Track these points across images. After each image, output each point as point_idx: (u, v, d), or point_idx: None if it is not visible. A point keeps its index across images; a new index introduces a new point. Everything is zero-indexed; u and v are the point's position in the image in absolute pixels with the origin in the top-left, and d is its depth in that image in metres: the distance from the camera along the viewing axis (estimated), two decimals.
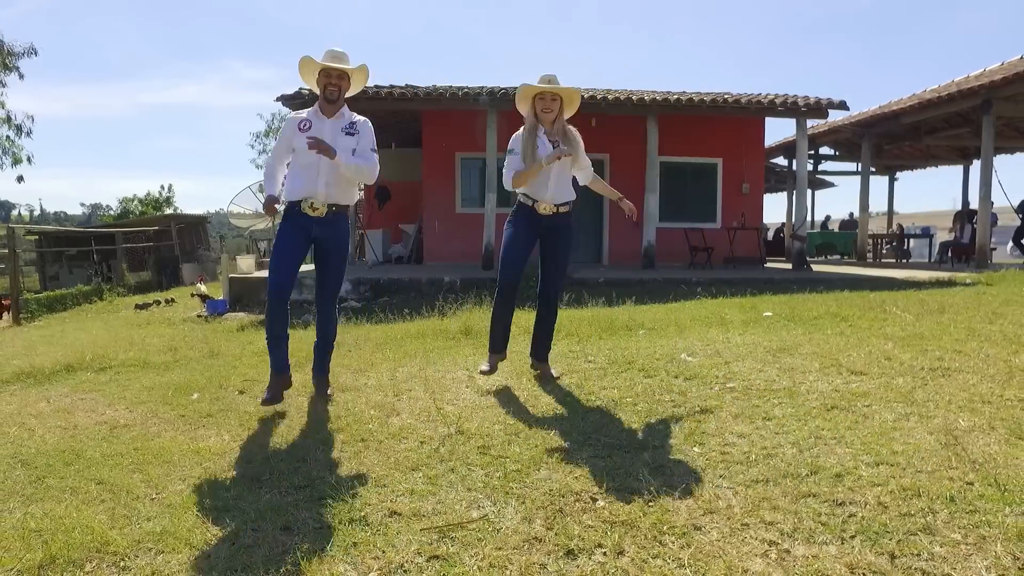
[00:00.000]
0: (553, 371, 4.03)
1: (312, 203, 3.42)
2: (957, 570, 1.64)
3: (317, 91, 3.56)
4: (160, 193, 28.69)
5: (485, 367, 3.96)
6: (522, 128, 3.80)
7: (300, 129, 3.45)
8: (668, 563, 1.75)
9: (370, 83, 11.50)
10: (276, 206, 3.52)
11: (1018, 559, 1.66)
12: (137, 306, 11.02)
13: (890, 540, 1.81)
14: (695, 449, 2.68)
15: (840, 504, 2.07)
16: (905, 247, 17.02)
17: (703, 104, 11.33)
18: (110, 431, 3.44)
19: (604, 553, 1.82)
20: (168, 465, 2.81)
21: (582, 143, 3.89)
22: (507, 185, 3.80)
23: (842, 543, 1.82)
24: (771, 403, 3.28)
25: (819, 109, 11.41)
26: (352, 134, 3.49)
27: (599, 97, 11.14)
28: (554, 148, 3.70)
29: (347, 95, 3.62)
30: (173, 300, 11.29)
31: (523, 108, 3.86)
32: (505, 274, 3.87)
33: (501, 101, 10.76)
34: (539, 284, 4.01)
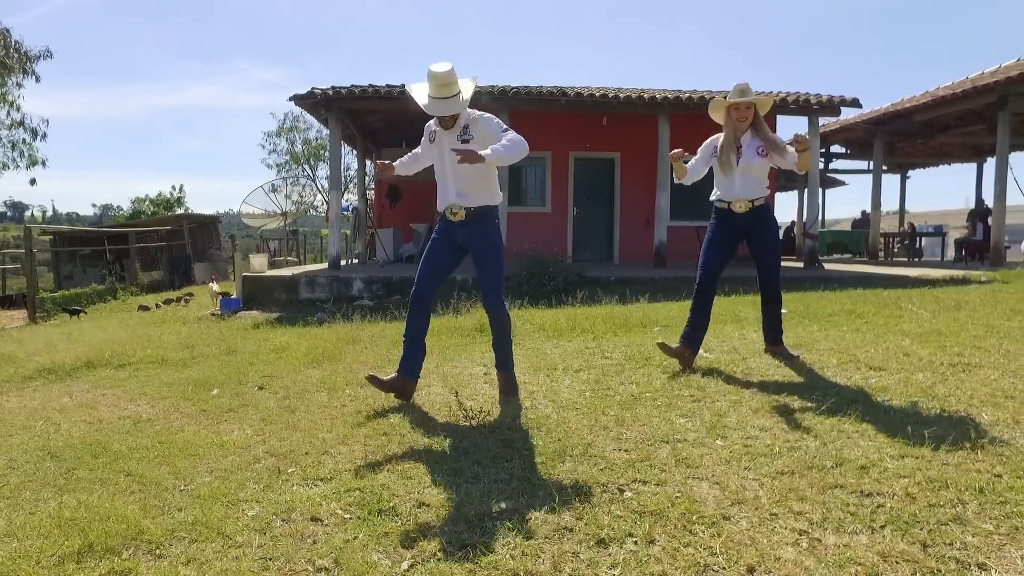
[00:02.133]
0: (790, 351, 4.20)
1: (451, 209, 3.51)
2: (992, 559, 1.64)
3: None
4: (171, 193, 28.89)
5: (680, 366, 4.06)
6: (721, 135, 4.02)
7: (430, 140, 3.56)
8: (700, 551, 1.76)
9: (380, 82, 11.44)
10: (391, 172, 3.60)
11: None
12: (141, 307, 11.08)
13: (921, 530, 1.81)
14: (718, 442, 2.68)
15: (867, 495, 2.07)
16: (917, 246, 16.91)
17: None
18: (134, 425, 3.48)
19: (635, 542, 1.83)
20: (194, 458, 2.84)
21: (778, 139, 3.97)
22: (674, 180, 4.20)
23: (872, 532, 1.82)
24: (791, 398, 3.28)
25: (831, 107, 11.35)
26: (467, 140, 3.39)
27: (610, 96, 11.13)
28: (739, 151, 3.92)
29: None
30: (174, 301, 11.37)
31: (717, 117, 4.05)
32: (701, 271, 4.13)
33: (512, 100, 10.77)
34: (759, 276, 4.20)
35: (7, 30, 17.70)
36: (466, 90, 3.41)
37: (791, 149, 3.85)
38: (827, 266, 12.46)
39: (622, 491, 2.18)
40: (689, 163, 4.06)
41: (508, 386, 3.59)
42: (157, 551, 1.94)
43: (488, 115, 3.52)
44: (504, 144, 3.25)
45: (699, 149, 4.10)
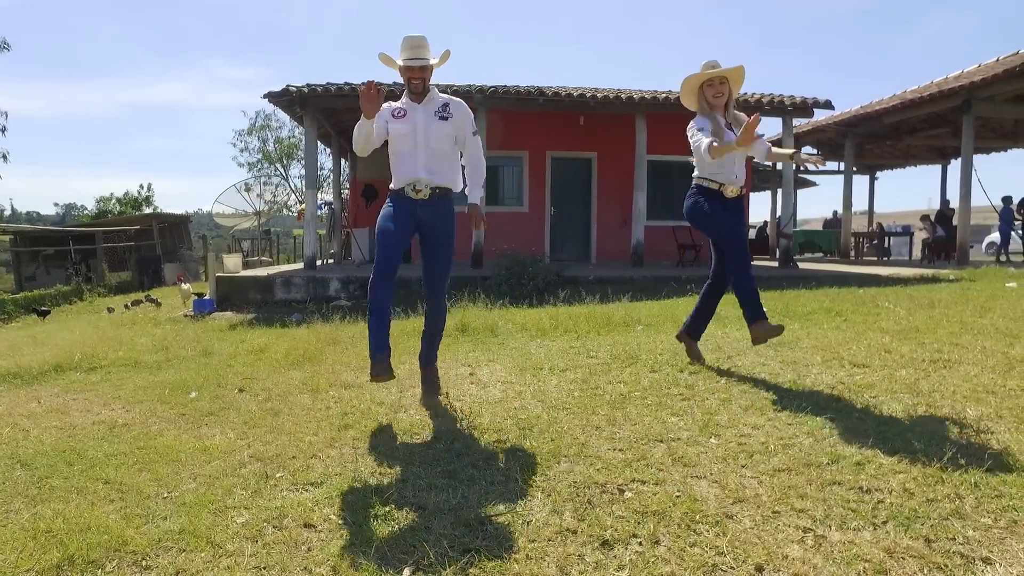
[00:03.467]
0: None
1: (415, 186, 3.34)
2: (995, 553, 1.65)
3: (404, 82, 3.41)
4: (139, 193, 28.17)
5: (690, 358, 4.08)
6: (698, 115, 3.70)
7: (395, 116, 3.38)
8: (706, 551, 1.74)
9: (357, 80, 11.31)
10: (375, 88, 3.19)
11: None
12: (109, 309, 10.79)
13: (922, 525, 1.82)
14: (712, 440, 2.67)
15: (866, 491, 2.08)
16: (886, 245, 17.30)
17: None
18: (109, 430, 3.35)
19: (640, 543, 1.80)
20: (176, 464, 2.74)
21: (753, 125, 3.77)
22: (706, 158, 3.57)
23: (875, 529, 1.83)
24: (779, 396, 3.30)
25: (805, 108, 11.54)
26: (446, 117, 3.36)
27: (588, 96, 11.15)
28: (727, 132, 3.62)
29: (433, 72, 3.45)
30: (142, 301, 11.06)
31: (690, 102, 3.79)
32: (742, 260, 3.79)
33: (489, 99, 10.73)
34: (715, 266, 4.04)
35: None
36: (438, 57, 3.45)
37: (763, 141, 3.81)
38: (801, 265, 12.67)
39: (622, 491, 2.15)
40: (701, 135, 3.59)
41: (434, 384, 3.55)
42: (143, 562, 1.85)
43: (465, 104, 3.48)
44: (477, 162, 3.51)
45: (704, 125, 3.63)
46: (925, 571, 1.60)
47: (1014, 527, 1.77)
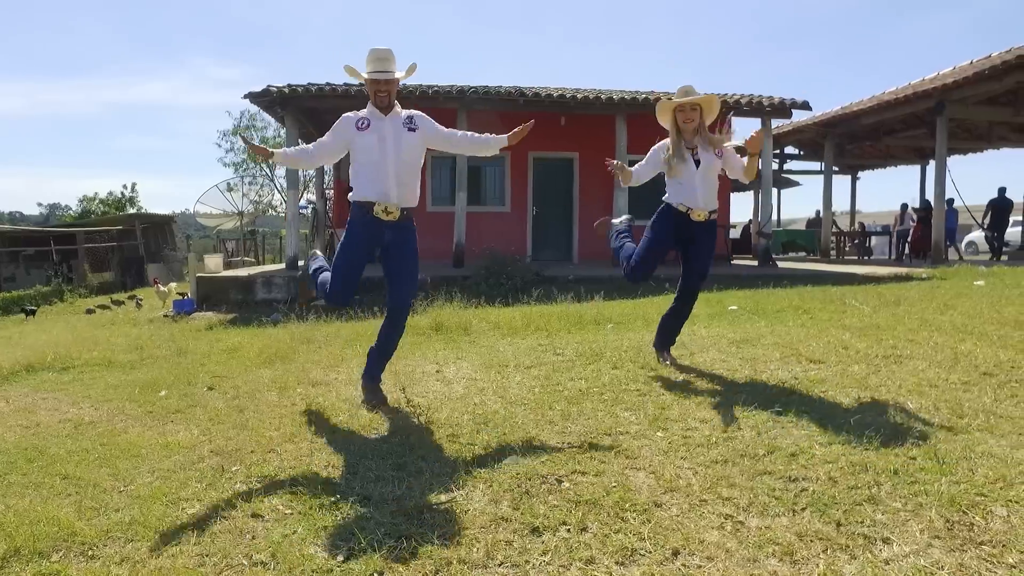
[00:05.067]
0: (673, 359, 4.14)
1: (386, 207, 3.28)
2: (895, 534, 1.74)
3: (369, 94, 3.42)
4: (123, 193, 27.99)
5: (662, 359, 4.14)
6: (667, 139, 3.93)
7: (359, 128, 3.34)
8: (629, 537, 1.82)
9: (338, 81, 11.34)
10: (270, 158, 3.45)
11: (948, 521, 1.78)
12: (89, 310, 10.83)
13: (837, 510, 1.91)
14: (659, 434, 2.76)
15: (793, 480, 2.17)
16: (868, 244, 17.51)
17: None
18: (74, 428, 3.40)
19: (568, 530, 1.88)
20: (136, 459, 2.80)
21: (731, 149, 3.95)
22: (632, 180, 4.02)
23: (793, 515, 1.92)
24: (733, 390, 3.39)
25: (783, 109, 11.69)
26: (413, 129, 3.37)
27: (568, 96, 11.24)
28: (694, 160, 3.82)
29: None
30: (122, 302, 11.05)
31: (664, 122, 3.95)
32: (643, 269, 4.03)
33: (470, 100, 10.80)
34: (682, 282, 4.10)
35: None
36: (403, 70, 3.45)
37: (736, 155, 3.92)
38: (781, 264, 12.82)
39: (560, 482, 2.23)
40: (635, 167, 4.03)
41: (379, 395, 3.46)
42: (90, 552, 1.91)
43: (424, 114, 3.50)
44: (480, 138, 3.50)
45: (649, 152, 4.02)
46: (828, 551, 1.69)
47: (919, 510, 1.86)
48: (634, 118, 11.70)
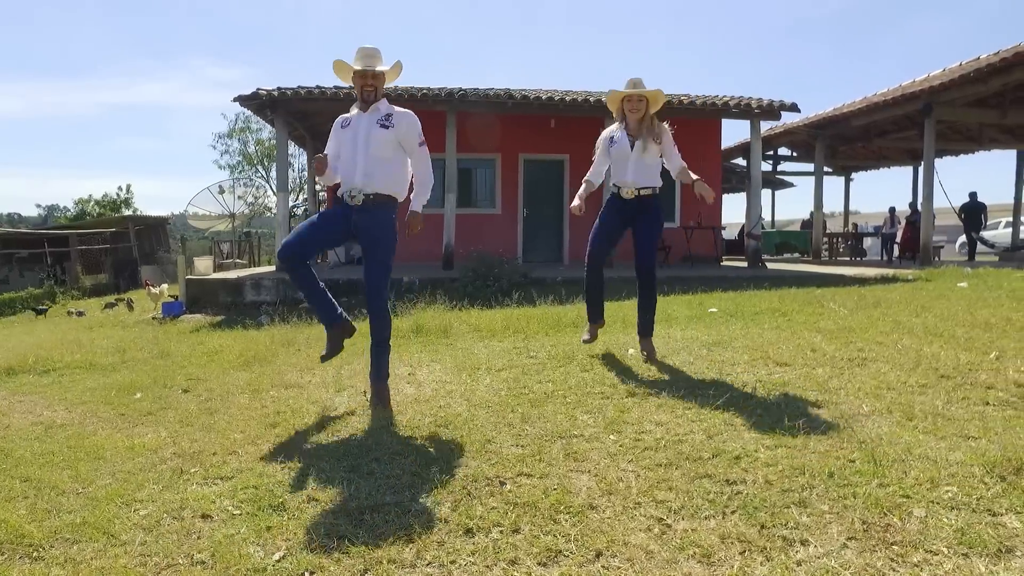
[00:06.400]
0: (654, 350, 4.32)
1: (350, 191, 3.47)
2: (815, 536, 1.79)
3: (356, 91, 3.60)
4: (118, 194, 28.09)
5: (587, 336, 4.52)
6: (609, 129, 4.33)
7: (342, 127, 3.59)
8: (557, 539, 1.87)
9: (328, 84, 11.38)
10: (326, 169, 3.56)
11: (867, 523, 1.82)
12: (79, 313, 11.03)
13: (765, 513, 1.96)
14: (611, 437, 2.81)
15: (731, 483, 2.22)
16: (861, 245, 17.57)
17: None
18: (45, 431, 3.46)
19: (500, 531, 1.93)
20: (99, 461, 2.85)
21: (670, 138, 4.26)
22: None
23: (723, 517, 1.96)
24: (695, 393, 3.43)
25: (772, 111, 11.73)
26: (387, 127, 3.47)
27: (556, 98, 11.30)
28: (630, 142, 4.17)
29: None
30: (114, 304, 11.15)
31: (613, 109, 4.32)
32: (590, 250, 4.41)
33: (460, 102, 10.86)
34: (636, 261, 4.35)
35: None
36: (390, 66, 3.62)
37: (676, 153, 4.24)
38: (772, 265, 12.87)
39: (503, 484, 2.28)
40: (593, 166, 4.34)
41: (385, 398, 3.47)
42: (35, 553, 1.97)
43: (412, 115, 3.58)
44: (424, 183, 3.59)
45: (597, 144, 4.35)
46: (746, 553, 1.74)
47: (843, 512, 1.91)
48: None
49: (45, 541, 2.03)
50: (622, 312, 6.68)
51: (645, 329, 4.39)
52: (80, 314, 10.98)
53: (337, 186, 3.62)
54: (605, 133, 4.33)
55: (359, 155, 3.46)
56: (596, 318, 4.56)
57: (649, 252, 4.31)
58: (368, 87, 3.49)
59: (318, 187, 15.43)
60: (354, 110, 3.60)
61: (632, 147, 4.14)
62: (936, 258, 14.51)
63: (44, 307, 11.77)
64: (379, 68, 3.52)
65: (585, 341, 4.51)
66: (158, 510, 2.25)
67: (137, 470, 2.71)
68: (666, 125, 4.26)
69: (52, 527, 2.12)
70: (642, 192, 4.21)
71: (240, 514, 2.18)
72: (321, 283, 3.68)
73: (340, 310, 3.74)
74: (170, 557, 1.91)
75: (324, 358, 3.77)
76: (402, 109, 3.61)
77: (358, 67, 3.49)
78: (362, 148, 3.46)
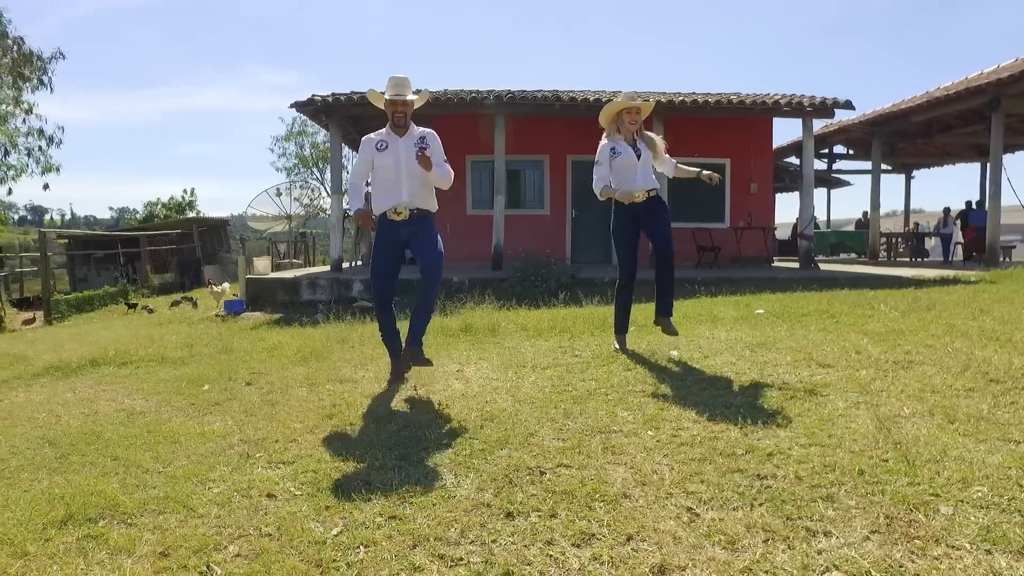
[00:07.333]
0: (673, 327, 4.75)
1: (396, 208, 3.89)
2: (838, 528, 1.87)
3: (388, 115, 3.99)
4: (183, 197, 29.48)
5: (620, 345, 4.80)
6: (604, 138, 4.56)
7: (378, 150, 3.94)
8: (592, 524, 2.01)
9: (380, 88, 11.75)
10: (372, 218, 4.02)
11: (891, 518, 1.89)
12: (149, 309, 11.82)
13: (792, 506, 2.04)
14: (649, 432, 2.92)
15: (761, 478, 2.30)
16: (923, 245, 16.93)
17: (708, 105, 11.48)
18: (127, 417, 3.79)
19: (539, 515, 2.08)
20: (175, 445, 3.13)
21: (661, 145, 4.63)
22: (598, 195, 4.51)
23: (750, 509, 2.06)
24: (734, 393, 3.50)
25: (824, 109, 11.47)
26: (424, 148, 3.88)
27: (604, 100, 11.33)
28: (634, 151, 4.47)
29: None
30: (178, 303, 11.86)
31: (605, 123, 4.57)
32: (628, 269, 4.74)
33: (508, 104, 11.03)
34: (654, 246, 4.64)
35: (21, 38, 18.19)
36: (417, 95, 4.07)
37: (667, 155, 4.60)
38: (825, 267, 12.58)
39: (543, 473, 2.43)
40: (599, 174, 4.54)
41: (409, 362, 4.04)
42: (128, 520, 2.23)
43: (435, 133, 4.05)
44: (444, 168, 3.97)
45: (598, 156, 4.51)
46: (769, 541, 1.83)
47: (869, 507, 1.97)
48: (671, 120, 11.70)
49: (136, 511, 2.29)
50: None
51: (665, 310, 4.74)
52: (150, 311, 11.70)
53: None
54: (604, 145, 4.51)
55: (402, 179, 3.89)
56: (626, 329, 4.89)
57: (666, 231, 4.58)
58: (399, 113, 3.92)
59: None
60: (385, 131, 4.00)
61: (638, 156, 4.44)
62: (1006, 259, 13.87)
63: (135, 302, 12.90)
64: (409, 97, 3.94)
65: (621, 350, 4.74)
66: (229, 489, 2.49)
67: (208, 453, 2.97)
68: (653, 135, 4.61)
69: (140, 499, 2.38)
70: (651, 193, 4.50)
71: (301, 494, 2.39)
72: (396, 326, 4.23)
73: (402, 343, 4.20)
74: (241, 528, 2.13)
75: (392, 383, 4.12)
76: (425, 129, 4.06)
77: (389, 96, 3.91)
78: (405, 172, 3.88)
